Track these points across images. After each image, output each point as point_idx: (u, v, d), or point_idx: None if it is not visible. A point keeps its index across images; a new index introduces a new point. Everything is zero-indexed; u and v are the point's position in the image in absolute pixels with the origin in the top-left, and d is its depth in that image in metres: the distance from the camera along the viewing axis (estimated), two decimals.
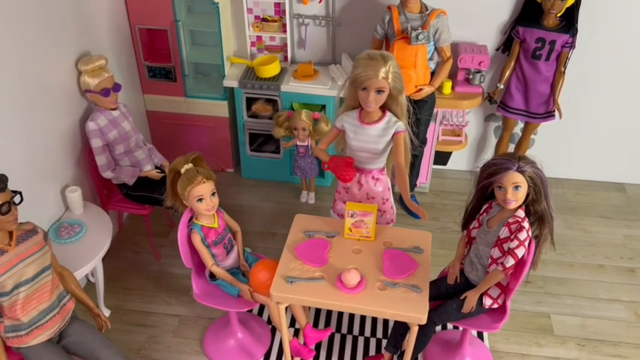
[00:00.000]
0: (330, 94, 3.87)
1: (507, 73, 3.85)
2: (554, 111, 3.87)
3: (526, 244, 2.55)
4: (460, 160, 4.52)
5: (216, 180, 2.73)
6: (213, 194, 2.69)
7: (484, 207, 2.76)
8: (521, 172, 2.50)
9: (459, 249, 2.87)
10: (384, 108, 2.73)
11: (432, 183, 4.40)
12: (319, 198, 4.28)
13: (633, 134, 4.21)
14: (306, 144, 3.92)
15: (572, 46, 3.64)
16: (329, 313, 3.39)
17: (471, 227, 2.81)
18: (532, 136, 4.21)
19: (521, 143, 4.15)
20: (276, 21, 3.99)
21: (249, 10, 3.99)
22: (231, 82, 3.99)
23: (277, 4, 3.95)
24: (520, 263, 2.59)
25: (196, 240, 2.73)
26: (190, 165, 2.68)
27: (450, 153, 4.29)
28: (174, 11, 3.77)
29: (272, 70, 3.94)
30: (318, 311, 3.40)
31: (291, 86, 3.92)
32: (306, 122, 3.80)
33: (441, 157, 4.29)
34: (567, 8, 3.58)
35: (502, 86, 3.89)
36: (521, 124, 4.18)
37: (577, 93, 4.03)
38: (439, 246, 3.77)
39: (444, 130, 4.12)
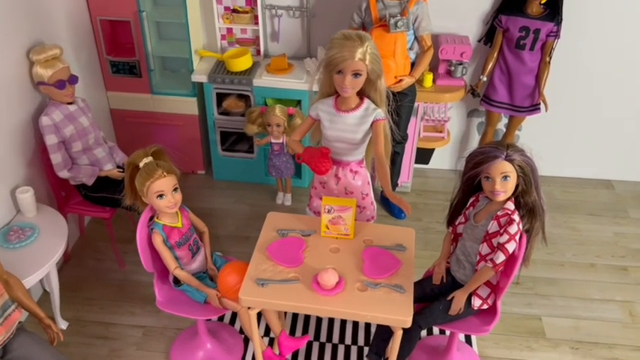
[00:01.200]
0: (305, 88, 3.66)
1: (490, 65, 3.68)
2: (539, 104, 3.70)
3: (517, 238, 2.36)
4: (442, 159, 4.33)
5: (181, 177, 2.50)
6: (175, 190, 2.45)
7: (470, 200, 2.56)
8: (510, 160, 2.33)
9: (444, 246, 2.67)
10: (361, 95, 2.53)
11: (414, 182, 4.21)
12: (296, 199, 4.05)
13: (620, 129, 4.06)
14: (280, 141, 3.70)
15: (556, 35, 3.49)
16: (307, 319, 3.15)
17: (456, 223, 2.61)
18: (516, 132, 4.04)
19: (505, 139, 3.98)
20: (247, 12, 3.78)
21: (219, 1, 3.77)
22: (200, 76, 3.76)
23: None
24: (511, 259, 2.40)
25: (157, 241, 2.48)
26: (150, 158, 2.44)
27: (432, 150, 4.10)
28: (138, 1, 3.53)
29: (243, 63, 3.72)
30: (295, 318, 3.16)
31: (264, 80, 3.70)
32: (280, 118, 3.59)
33: (423, 155, 4.09)
34: None
35: (485, 78, 3.72)
36: (505, 120, 4.02)
37: (562, 86, 3.88)
38: (422, 247, 3.56)
39: (425, 126, 3.94)
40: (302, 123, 2.70)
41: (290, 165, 3.82)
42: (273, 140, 3.71)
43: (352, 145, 2.56)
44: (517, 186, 2.37)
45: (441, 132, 3.93)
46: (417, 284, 2.55)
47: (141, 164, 2.42)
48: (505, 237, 2.35)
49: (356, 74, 2.37)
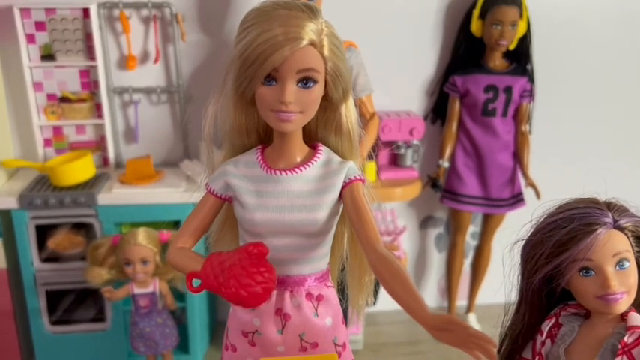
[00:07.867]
0: (186, 200, 2.29)
1: (449, 146, 2.63)
2: (522, 193, 2.67)
3: None
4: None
5: None
6: None
7: (547, 325, 1.29)
8: (621, 229, 1.18)
9: None
10: (312, 139, 1.26)
11: (365, 333, 2.82)
12: None
13: None
14: (150, 290, 2.21)
15: (531, 95, 2.58)
16: None
17: None
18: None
19: (481, 251, 2.82)
20: (84, 100, 2.47)
21: (37, 86, 2.44)
22: (4, 200, 2.27)
23: (84, 73, 2.46)
24: None
25: None
26: None
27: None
28: None
29: (79, 170, 2.32)
30: None
31: (117, 195, 2.31)
32: (147, 248, 2.15)
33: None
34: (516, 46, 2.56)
35: (446, 164, 2.63)
36: (474, 228, 2.90)
37: (545, 169, 2.86)
38: None
39: None
40: (192, 213, 1.31)
41: (170, 329, 2.29)
42: (136, 290, 2.21)
43: (308, 239, 1.21)
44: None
45: (393, 250, 2.69)
46: None
47: None
48: None
49: (306, 79, 1.12)
